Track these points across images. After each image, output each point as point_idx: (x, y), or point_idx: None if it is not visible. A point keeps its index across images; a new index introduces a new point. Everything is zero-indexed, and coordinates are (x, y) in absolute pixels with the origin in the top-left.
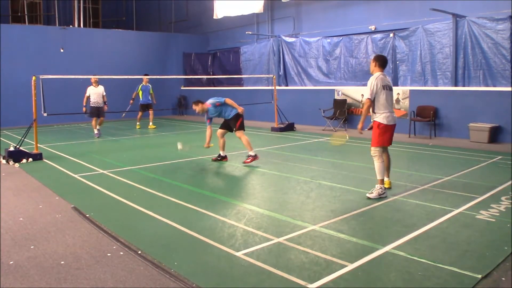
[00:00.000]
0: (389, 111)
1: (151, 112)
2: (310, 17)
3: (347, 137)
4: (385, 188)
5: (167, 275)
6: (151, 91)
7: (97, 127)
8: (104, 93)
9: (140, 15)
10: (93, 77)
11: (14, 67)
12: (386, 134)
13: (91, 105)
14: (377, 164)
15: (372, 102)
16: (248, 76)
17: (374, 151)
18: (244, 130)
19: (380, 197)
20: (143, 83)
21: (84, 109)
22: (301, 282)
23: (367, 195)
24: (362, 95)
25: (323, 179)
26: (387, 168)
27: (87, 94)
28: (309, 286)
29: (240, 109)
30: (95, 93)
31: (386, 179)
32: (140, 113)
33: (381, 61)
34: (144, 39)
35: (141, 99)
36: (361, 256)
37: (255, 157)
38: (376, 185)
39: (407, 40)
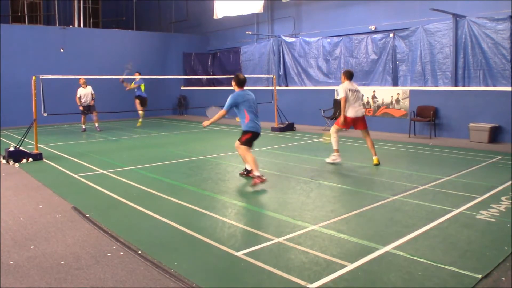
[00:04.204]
0: (354, 106)
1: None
2: (310, 17)
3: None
4: (339, 155)
5: (167, 275)
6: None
7: (96, 124)
8: (93, 92)
9: (140, 15)
10: (81, 79)
11: (14, 67)
12: (347, 121)
13: (83, 104)
14: (333, 138)
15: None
16: (248, 76)
17: (333, 127)
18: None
19: (333, 162)
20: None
21: (81, 108)
22: (301, 282)
23: (326, 160)
24: (362, 95)
25: (323, 179)
26: (371, 147)
27: (78, 96)
28: (309, 286)
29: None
30: (85, 94)
31: (374, 157)
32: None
33: (348, 74)
34: (144, 39)
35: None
36: (361, 256)
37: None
38: (333, 154)
39: (407, 40)
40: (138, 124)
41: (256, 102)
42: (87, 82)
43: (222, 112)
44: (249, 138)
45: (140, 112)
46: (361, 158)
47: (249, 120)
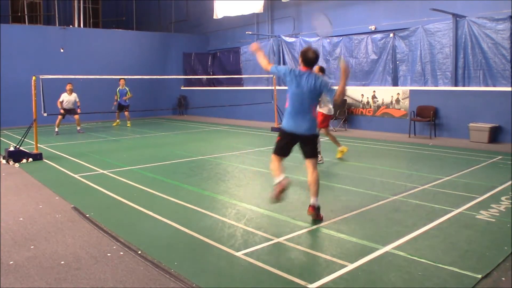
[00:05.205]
0: (329, 105)
1: (126, 113)
2: (310, 17)
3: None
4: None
5: (167, 275)
6: (128, 94)
7: (78, 127)
8: (77, 100)
9: (140, 15)
10: (68, 85)
11: (14, 67)
12: (328, 120)
13: (64, 107)
14: (331, 138)
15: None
16: (248, 76)
17: (323, 130)
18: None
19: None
20: (120, 87)
21: (62, 110)
22: (301, 282)
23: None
24: (362, 95)
25: (323, 179)
26: (336, 141)
27: (60, 100)
28: (309, 286)
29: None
30: (67, 100)
31: (341, 147)
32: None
33: (323, 69)
34: (144, 39)
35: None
36: (361, 256)
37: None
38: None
39: (407, 40)
40: (114, 124)
41: (316, 92)
42: (87, 82)
43: (266, 65)
44: (277, 142)
45: (117, 114)
46: (361, 158)
47: (286, 111)
